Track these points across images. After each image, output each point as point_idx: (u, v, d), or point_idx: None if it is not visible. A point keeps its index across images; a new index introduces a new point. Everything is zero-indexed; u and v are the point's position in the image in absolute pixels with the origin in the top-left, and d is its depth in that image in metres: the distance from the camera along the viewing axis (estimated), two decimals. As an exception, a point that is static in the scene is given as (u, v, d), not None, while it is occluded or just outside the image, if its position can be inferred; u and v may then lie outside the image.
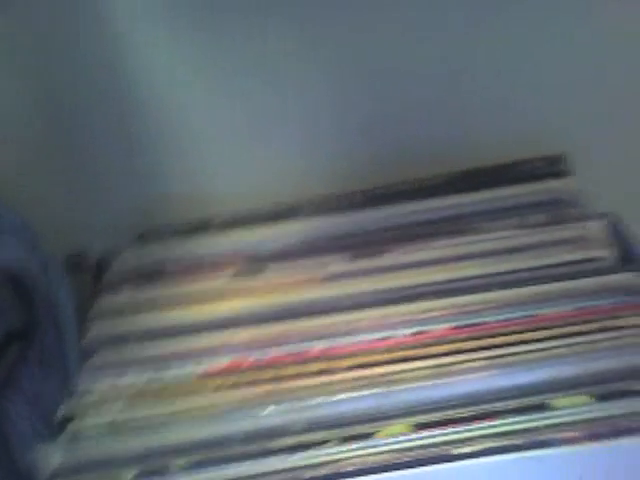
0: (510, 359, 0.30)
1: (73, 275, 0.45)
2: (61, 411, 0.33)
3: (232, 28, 0.44)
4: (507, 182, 0.42)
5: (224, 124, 0.47)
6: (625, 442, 0.25)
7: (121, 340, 0.37)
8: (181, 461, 0.29)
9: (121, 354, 0.36)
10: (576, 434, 0.26)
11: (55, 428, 0.38)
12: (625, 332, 0.30)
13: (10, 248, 0.42)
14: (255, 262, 0.41)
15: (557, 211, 0.39)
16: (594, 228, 0.37)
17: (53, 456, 0.30)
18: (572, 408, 0.27)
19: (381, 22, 0.44)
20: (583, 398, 0.27)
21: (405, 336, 0.33)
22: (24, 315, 0.42)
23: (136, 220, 0.47)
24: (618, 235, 0.37)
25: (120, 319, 0.39)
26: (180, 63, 0.45)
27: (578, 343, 0.30)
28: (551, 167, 0.42)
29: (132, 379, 0.34)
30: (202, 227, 0.44)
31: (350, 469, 0.27)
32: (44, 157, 0.47)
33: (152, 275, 0.42)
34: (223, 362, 0.34)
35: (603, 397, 0.27)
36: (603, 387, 0.28)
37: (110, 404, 0.33)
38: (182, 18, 0.44)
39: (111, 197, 0.48)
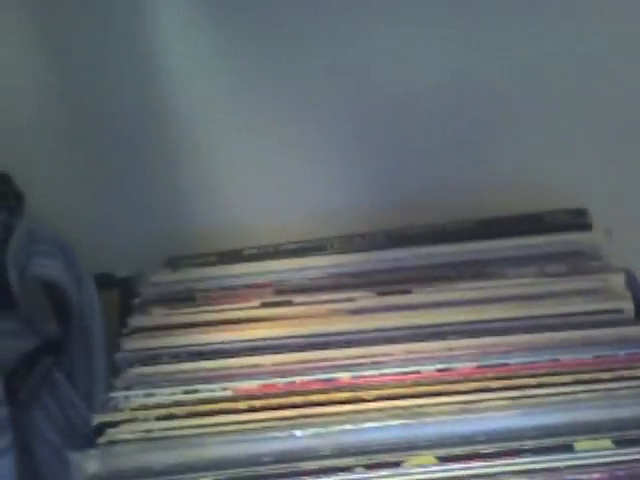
0: (533, 400, 0.31)
1: (101, 292, 0.47)
2: (95, 420, 0.34)
3: (264, 64, 0.46)
4: (531, 232, 0.43)
5: (255, 160, 0.49)
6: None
7: (153, 358, 0.39)
8: (213, 477, 0.30)
9: (153, 371, 0.38)
10: (598, 476, 0.27)
11: (84, 438, 0.40)
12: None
13: (50, 262, 0.44)
14: (283, 293, 0.42)
15: (578, 262, 0.41)
16: (613, 281, 0.39)
17: (88, 464, 0.31)
18: (594, 451, 0.28)
19: (408, 62, 0.46)
20: (604, 442, 0.29)
21: (431, 372, 0.34)
22: (58, 328, 0.43)
23: (163, 246, 0.48)
24: (635, 288, 0.39)
25: (152, 338, 0.40)
26: (214, 96, 0.47)
27: (597, 390, 0.32)
28: (574, 219, 0.44)
29: (164, 395, 0.35)
30: (230, 257, 0.46)
31: (378, 495, 0.28)
32: (80, 181, 0.49)
33: (183, 299, 0.43)
34: (253, 385, 0.35)
35: (622, 443, 0.29)
36: (622, 433, 0.29)
37: (142, 418, 0.34)
38: (220, 50, 0.47)
39: (142, 223, 0.50)
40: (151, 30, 0.46)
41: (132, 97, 0.47)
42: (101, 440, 0.33)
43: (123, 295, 0.48)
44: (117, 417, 0.34)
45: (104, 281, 0.47)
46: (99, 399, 0.41)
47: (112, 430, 0.33)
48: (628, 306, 0.37)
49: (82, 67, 0.47)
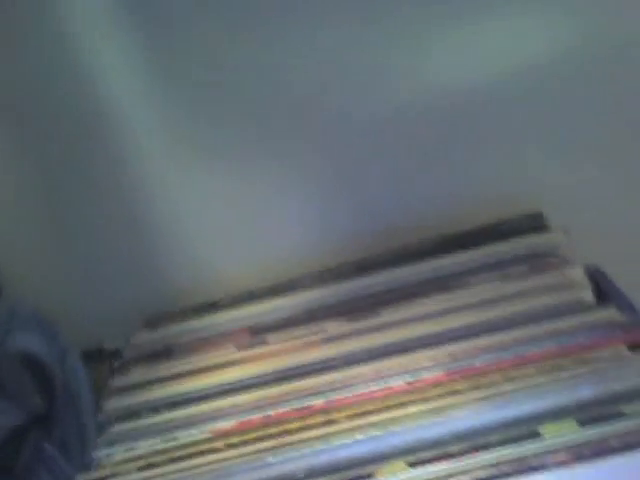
0: (499, 395, 0.32)
1: (92, 365, 0.47)
2: (79, 480, 0.34)
3: (230, 107, 0.47)
4: (491, 240, 0.44)
5: (224, 210, 0.50)
6: (609, 462, 0.26)
7: (134, 413, 0.39)
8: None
9: (135, 425, 0.38)
10: (564, 457, 0.27)
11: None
12: (603, 363, 0.32)
13: (31, 338, 0.45)
14: (257, 334, 0.43)
15: (538, 262, 0.41)
16: (573, 274, 0.40)
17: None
18: (559, 435, 0.28)
19: (372, 87, 0.46)
20: (569, 424, 0.29)
21: (400, 385, 0.35)
22: (45, 401, 0.44)
23: (145, 306, 0.49)
24: (594, 279, 0.40)
25: (132, 395, 0.41)
26: (179, 146, 0.48)
27: (560, 376, 0.32)
28: (531, 223, 0.45)
29: (145, 447, 0.36)
30: (206, 308, 0.47)
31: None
32: (54, 259, 0.50)
33: (161, 354, 0.44)
34: (231, 423, 0.35)
35: (586, 422, 0.29)
36: (585, 413, 0.29)
37: (125, 471, 0.34)
38: (179, 100, 0.47)
39: (119, 288, 0.51)
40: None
41: (103, 164, 0.48)
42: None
43: (113, 364, 0.49)
44: (100, 474, 0.35)
45: (93, 355, 0.48)
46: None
47: (96, 488, 0.34)
48: (588, 295, 0.38)
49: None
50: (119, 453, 0.36)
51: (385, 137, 0.47)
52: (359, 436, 0.31)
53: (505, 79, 0.46)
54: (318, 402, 0.35)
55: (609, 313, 0.36)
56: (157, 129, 0.48)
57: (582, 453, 0.27)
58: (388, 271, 0.45)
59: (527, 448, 0.28)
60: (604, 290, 0.39)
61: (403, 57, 0.45)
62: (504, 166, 0.48)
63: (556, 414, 0.30)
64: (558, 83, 0.46)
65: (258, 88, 0.46)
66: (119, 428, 0.38)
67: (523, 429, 0.29)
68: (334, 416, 0.34)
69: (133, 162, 0.49)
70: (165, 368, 0.42)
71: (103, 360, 0.50)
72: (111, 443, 0.37)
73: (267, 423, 0.35)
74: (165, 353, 0.44)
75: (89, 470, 0.35)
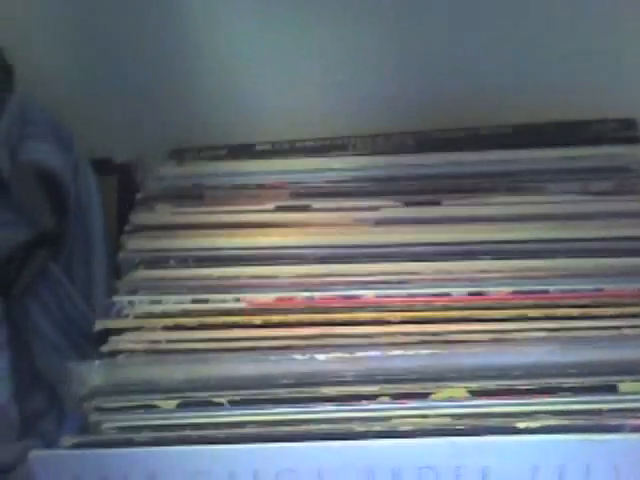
0: (574, 333, 0.29)
1: (97, 181, 0.43)
2: (97, 326, 0.32)
3: None
4: (575, 142, 0.40)
5: (270, 46, 0.44)
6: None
7: (159, 261, 0.36)
8: (227, 397, 0.28)
9: (159, 275, 0.35)
10: (644, 422, 0.25)
11: (82, 334, 0.38)
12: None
13: (46, 149, 0.40)
14: (300, 196, 0.39)
15: (625, 180, 0.37)
16: (663, 204, 0.36)
17: (91, 376, 0.29)
18: (639, 394, 0.26)
19: None
20: (651, 385, 0.27)
21: (462, 295, 0.32)
22: (56, 218, 0.40)
23: (167, 135, 0.44)
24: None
25: (157, 238, 0.37)
26: None
27: (646, 327, 0.29)
28: (623, 131, 0.40)
29: (171, 303, 0.33)
30: (241, 152, 0.42)
31: (405, 429, 0.26)
32: (77, 57, 0.44)
33: (191, 196, 0.40)
34: (268, 297, 0.33)
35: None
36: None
37: (149, 327, 0.32)
38: None
39: (144, 107, 0.45)
40: None
41: None
42: (104, 348, 0.31)
43: (121, 183, 0.45)
44: (121, 324, 0.32)
45: (101, 167, 0.44)
46: (99, 300, 0.39)
47: (116, 338, 0.31)
48: (678, 234, 0.34)
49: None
50: (143, 304, 0.33)
51: (466, 5, 0.41)
52: (418, 349, 0.28)
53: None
54: (368, 295, 0.32)
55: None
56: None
57: (663, 422, 0.25)
58: (453, 154, 0.40)
59: (602, 402, 0.26)
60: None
61: None
62: (599, 59, 0.42)
63: (638, 370, 0.27)
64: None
65: None
66: (142, 274, 0.35)
67: (599, 379, 0.27)
68: (386, 315, 0.31)
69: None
70: (195, 213, 0.39)
71: (110, 175, 0.46)
72: (134, 290, 0.34)
73: (310, 307, 0.32)
74: (195, 195, 0.40)
75: (108, 316, 0.33)
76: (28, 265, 0.39)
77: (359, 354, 0.28)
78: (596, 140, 0.40)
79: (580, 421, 0.26)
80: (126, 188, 0.45)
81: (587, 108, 0.42)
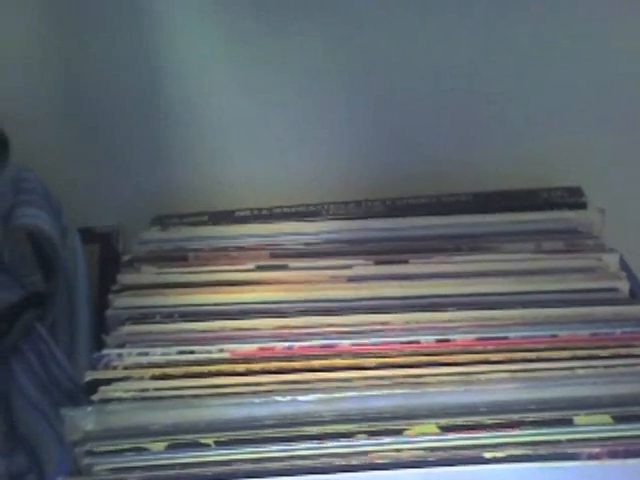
0: (533, 374, 0.32)
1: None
2: (87, 377, 0.33)
3: (260, 25, 0.44)
4: (528, 208, 0.44)
5: (250, 118, 0.47)
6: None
7: (146, 316, 0.38)
8: (213, 438, 0.29)
9: (146, 330, 0.37)
10: (598, 450, 0.28)
11: (66, 394, 0.39)
12: (638, 360, 0.32)
13: (37, 212, 0.42)
14: (278, 257, 0.42)
15: (574, 240, 0.41)
16: (608, 260, 0.39)
17: (84, 421, 0.30)
18: (593, 426, 0.29)
19: (409, 34, 0.44)
20: (603, 417, 0.29)
21: (430, 342, 0.34)
22: (43, 280, 0.42)
23: (148, 204, 0.47)
24: (626, 269, 0.40)
25: (143, 296, 0.39)
26: (207, 52, 0.45)
27: (595, 366, 0.32)
28: (570, 198, 0.44)
29: (158, 355, 0.35)
30: (222, 218, 0.45)
31: (381, 462, 0.28)
32: (66, 132, 0.47)
33: (175, 258, 0.42)
34: (251, 348, 0.35)
35: (621, 419, 0.29)
36: (621, 409, 0.30)
37: (137, 376, 0.33)
38: (216, 10, 0.45)
39: (127, 177, 0.48)
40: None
41: (123, 50, 0.45)
42: (95, 397, 0.32)
43: (103, 250, 0.47)
44: (110, 375, 0.34)
45: (83, 236, 0.46)
46: (83, 358, 0.41)
47: (106, 388, 0.33)
48: (623, 286, 0.38)
49: (73, 20, 0.45)
50: (131, 356, 0.35)
51: (429, 84, 0.45)
52: (390, 389, 0.31)
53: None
54: (344, 343, 0.35)
55: (643, 309, 0.36)
56: (187, 31, 0.44)
57: (616, 449, 0.28)
58: (419, 218, 0.43)
59: (561, 434, 0.29)
60: (634, 282, 0.39)
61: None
62: (547, 133, 0.47)
63: (590, 405, 0.30)
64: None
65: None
66: (130, 329, 0.37)
67: (557, 413, 0.30)
68: (362, 361, 0.33)
69: (160, 52, 0.45)
70: (179, 273, 0.41)
71: (92, 242, 0.48)
72: (122, 344, 0.36)
73: (290, 355, 0.34)
74: (178, 257, 0.42)
75: (98, 368, 0.34)
76: (16, 326, 0.41)
77: (337, 395, 0.30)
78: (547, 206, 0.44)
79: (541, 451, 0.28)
80: (107, 256, 0.47)
81: (534, 177, 0.46)
